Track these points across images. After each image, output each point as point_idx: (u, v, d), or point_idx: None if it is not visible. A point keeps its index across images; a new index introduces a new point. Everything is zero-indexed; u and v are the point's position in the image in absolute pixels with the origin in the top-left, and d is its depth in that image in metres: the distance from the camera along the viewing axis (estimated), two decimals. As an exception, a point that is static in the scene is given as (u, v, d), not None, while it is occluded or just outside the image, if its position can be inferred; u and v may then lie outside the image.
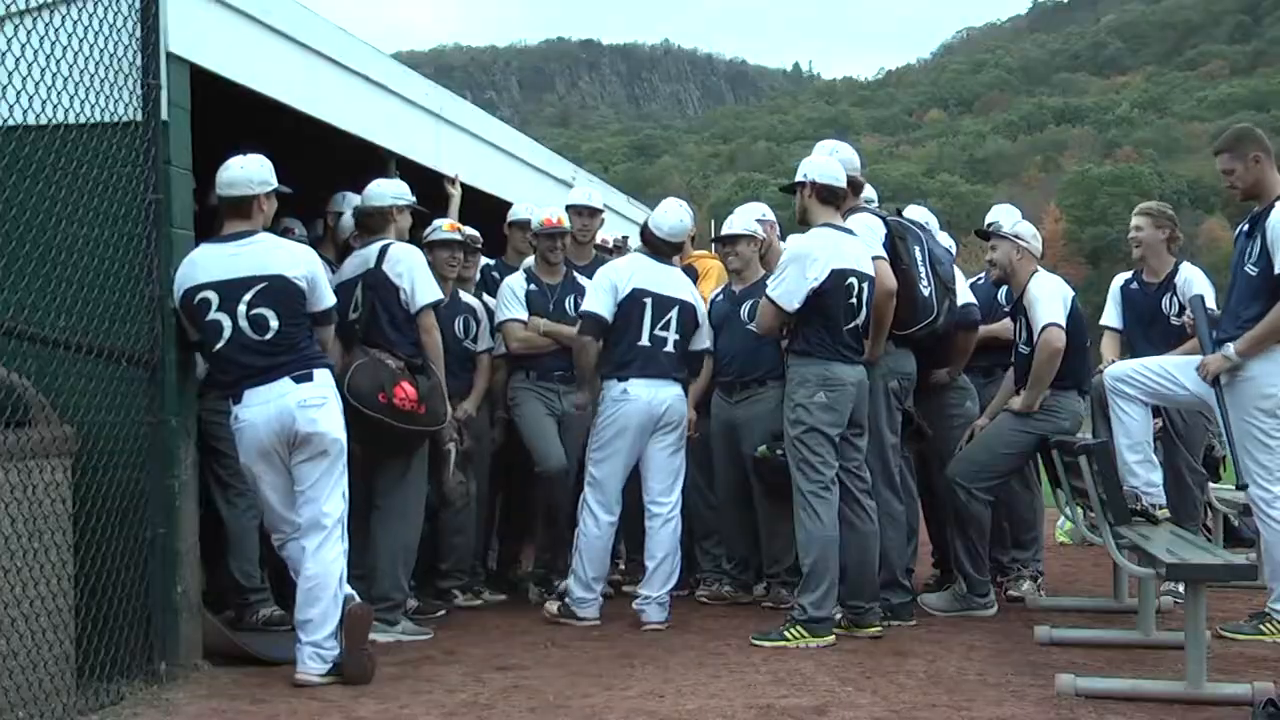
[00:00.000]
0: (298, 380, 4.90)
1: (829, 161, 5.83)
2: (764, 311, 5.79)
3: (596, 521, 6.11)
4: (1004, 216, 6.86)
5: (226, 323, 4.88)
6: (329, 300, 5.18)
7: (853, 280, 5.61)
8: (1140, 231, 6.57)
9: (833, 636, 5.53)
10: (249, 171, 5.01)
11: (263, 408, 4.87)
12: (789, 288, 5.60)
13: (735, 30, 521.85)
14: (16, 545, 4.13)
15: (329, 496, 4.95)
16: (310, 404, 4.89)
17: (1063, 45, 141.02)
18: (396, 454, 5.61)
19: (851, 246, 5.68)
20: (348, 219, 6.36)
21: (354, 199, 6.33)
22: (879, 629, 5.70)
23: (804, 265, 5.58)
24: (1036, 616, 6.09)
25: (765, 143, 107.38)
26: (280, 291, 4.93)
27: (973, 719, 4.26)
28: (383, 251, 5.71)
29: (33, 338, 4.49)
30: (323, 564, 4.89)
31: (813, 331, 5.62)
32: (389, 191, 5.92)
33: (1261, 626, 5.55)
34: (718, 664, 5.14)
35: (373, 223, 5.89)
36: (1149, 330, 6.52)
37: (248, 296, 4.87)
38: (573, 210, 6.98)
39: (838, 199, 5.79)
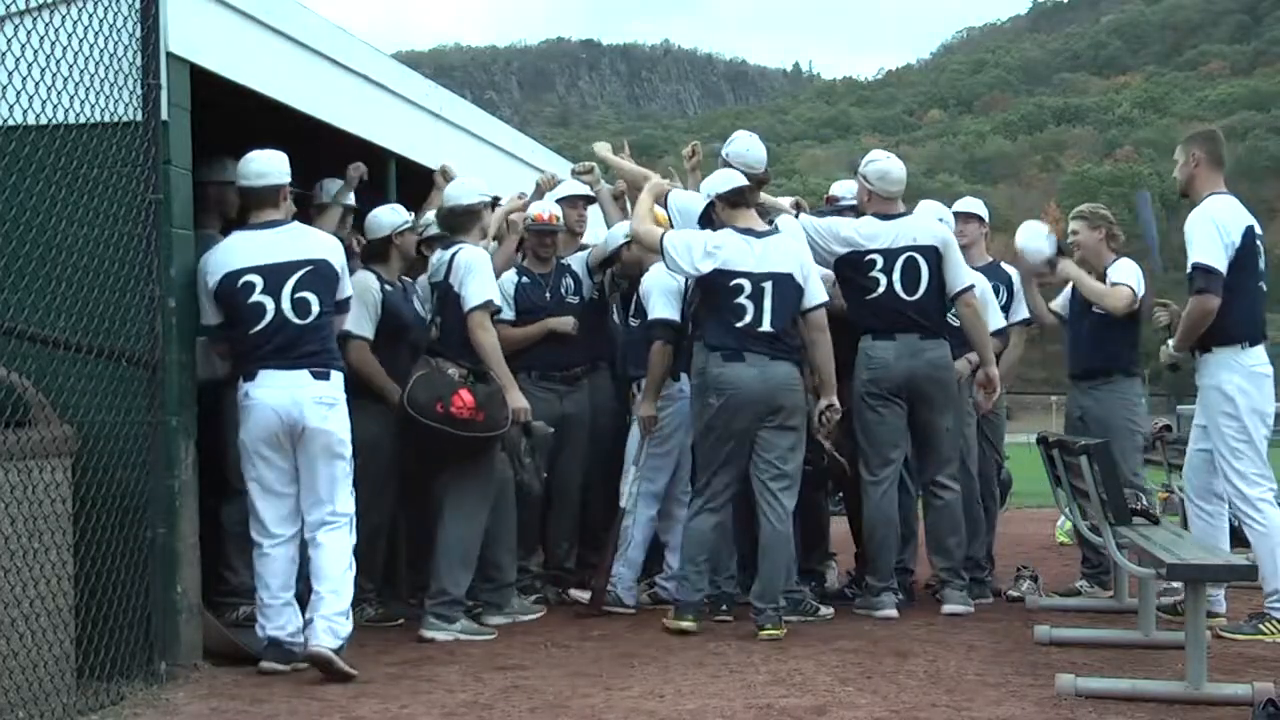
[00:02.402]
0: (316, 376, 4.99)
1: (724, 172, 6.07)
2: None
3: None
4: (971, 206, 7.21)
5: (270, 305, 4.98)
6: (349, 289, 5.34)
7: (741, 281, 5.68)
8: (1077, 235, 6.74)
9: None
10: (275, 162, 5.15)
11: (276, 391, 4.94)
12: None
13: (735, 30, 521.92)
14: (16, 545, 4.13)
15: (340, 497, 5.06)
16: (323, 401, 4.99)
17: (1063, 45, 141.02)
18: (459, 461, 5.67)
19: (747, 248, 5.75)
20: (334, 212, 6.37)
21: (331, 187, 6.30)
22: (780, 630, 5.63)
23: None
24: (1036, 616, 6.09)
25: (765, 143, 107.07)
26: (324, 275, 5.09)
27: (973, 719, 4.27)
28: (451, 260, 5.79)
29: (33, 338, 4.49)
30: (334, 542, 4.99)
31: (708, 328, 5.81)
32: (476, 189, 6.03)
33: (1261, 626, 5.56)
34: (718, 664, 5.14)
35: (458, 222, 5.95)
36: (1078, 324, 6.68)
37: (293, 280, 5.00)
38: (565, 202, 6.96)
39: (745, 198, 5.94)
